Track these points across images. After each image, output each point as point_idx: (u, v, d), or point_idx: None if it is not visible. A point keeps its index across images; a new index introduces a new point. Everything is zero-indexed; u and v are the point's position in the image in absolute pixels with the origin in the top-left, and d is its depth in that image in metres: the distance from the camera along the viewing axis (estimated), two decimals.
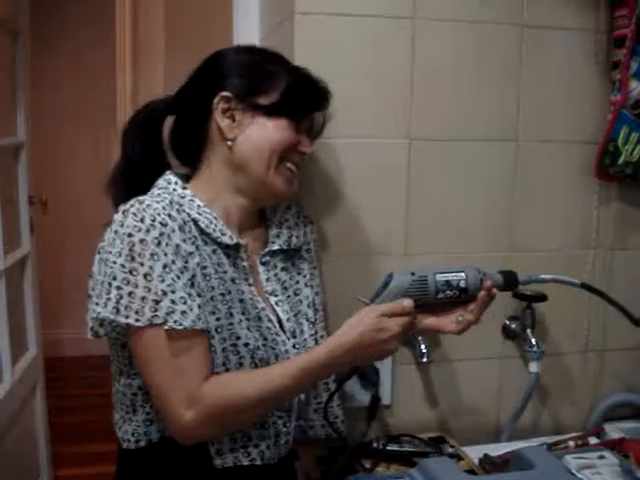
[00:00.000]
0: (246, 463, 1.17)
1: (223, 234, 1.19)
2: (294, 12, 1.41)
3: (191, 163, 1.28)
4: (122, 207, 1.11)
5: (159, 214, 1.10)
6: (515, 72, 1.55)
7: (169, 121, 1.30)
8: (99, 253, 1.11)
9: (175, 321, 1.07)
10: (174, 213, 1.13)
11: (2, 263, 2.14)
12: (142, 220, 1.08)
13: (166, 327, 1.07)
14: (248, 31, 1.64)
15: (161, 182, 1.22)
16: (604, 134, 1.57)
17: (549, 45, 1.57)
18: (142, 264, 1.07)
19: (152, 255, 1.07)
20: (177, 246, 1.10)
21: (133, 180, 1.23)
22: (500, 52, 1.54)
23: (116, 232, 1.09)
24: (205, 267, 1.15)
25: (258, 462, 1.18)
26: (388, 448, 1.43)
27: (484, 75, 1.54)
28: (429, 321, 1.19)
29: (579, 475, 1.26)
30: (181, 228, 1.13)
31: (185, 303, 1.08)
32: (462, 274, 1.17)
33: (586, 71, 1.60)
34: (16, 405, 2.29)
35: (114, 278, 1.07)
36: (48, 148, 3.78)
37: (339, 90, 1.33)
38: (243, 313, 1.18)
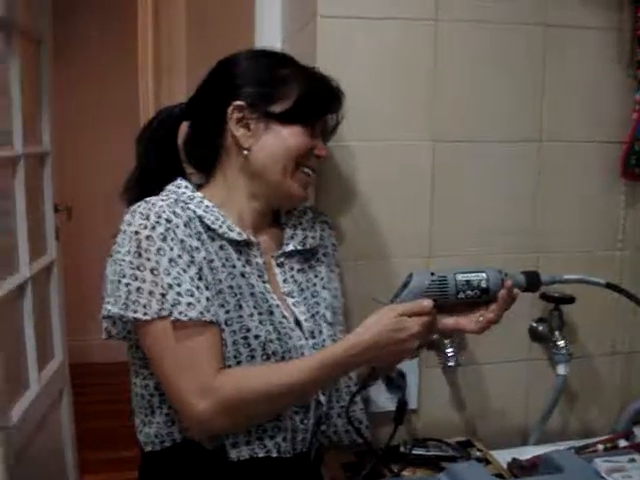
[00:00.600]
0: (262, 455, 1.16)
1: (231, 230, 1.19)
2: (316, 15, 1.41)
3: (206, 170, 1.29)
4: (131, 208, 1.14)
5: (164, 211, 1.12)
6: (538, 72, 1.54)
7: (183, 127, 1.31)
8: (111, 256, 1.14)
9: (180, 312, 1.08)
10: (179, 210, 1.15)
11: (28, 270, 2.16)
12: (148, 218, 1.11)
13: (172, 318, 1.08)
14: (270, 35, 1.64)
15: (170, 186, 1.23)
16: (630, 133, 1.56)
17: (572, 45, 1.56)
18: (149, 259, 1.09)
19: (158, 250, 1.10)
20: (182, 241, 1.12)
21: (147, 187, 1.23)
22: (523, 52, 1.53)
23: (124, 231, 1.12)
24: (212, 261, 1.16)
25: (274, 454, 1.17)
26: (415, 452, 1.42)
27: (507, 75, 1.53)
28: (449, 321, 1.18)
29: (609, 479, 1.25)
30: (186, 224, 1.14)
31: (192, 295, 1.09)
32: (483, 274, 1.16)
33: (610, 70, 1.58)
34: (43, 411, 2.30)
35: (123, 275, 1.10)
36: (71, 156, 3.80)
37: (362, 93, 1.32)
38: (255, 307, 1.18)
